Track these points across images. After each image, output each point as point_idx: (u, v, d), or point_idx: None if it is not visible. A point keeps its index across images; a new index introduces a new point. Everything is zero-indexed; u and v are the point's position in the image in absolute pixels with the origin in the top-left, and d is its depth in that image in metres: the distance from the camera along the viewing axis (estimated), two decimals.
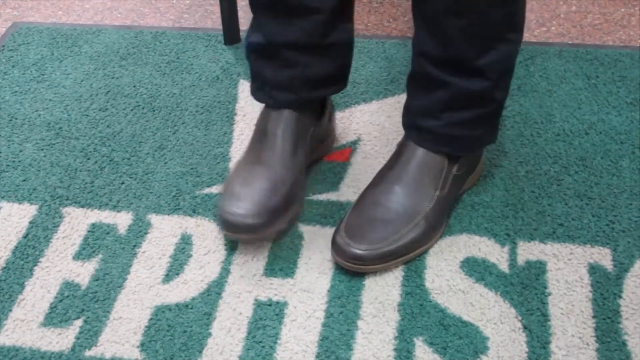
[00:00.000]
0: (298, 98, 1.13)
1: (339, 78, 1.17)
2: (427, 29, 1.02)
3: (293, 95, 1.13)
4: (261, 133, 1.14)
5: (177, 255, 1.14)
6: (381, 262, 1.08)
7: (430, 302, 1.06)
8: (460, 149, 1.11)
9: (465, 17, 0.98)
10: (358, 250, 1.06)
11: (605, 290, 1.07)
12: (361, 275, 1.09)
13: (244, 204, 1.08)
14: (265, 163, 1.12)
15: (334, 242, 1.09)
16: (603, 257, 1.11)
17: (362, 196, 1.13)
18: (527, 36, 1.56)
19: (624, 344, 1.00)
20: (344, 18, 1.11)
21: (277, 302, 1.07)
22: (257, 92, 1.16)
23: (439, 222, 1.12)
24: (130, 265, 1.13)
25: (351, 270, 1.08)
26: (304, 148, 1.17)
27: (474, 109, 1.07)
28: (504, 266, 1.10)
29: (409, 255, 1.10)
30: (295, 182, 1.13)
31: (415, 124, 1.11)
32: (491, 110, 1.09)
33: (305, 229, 1.17)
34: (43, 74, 1.50)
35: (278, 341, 1.02)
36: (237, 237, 1.11)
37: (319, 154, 1.26)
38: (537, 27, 1.59)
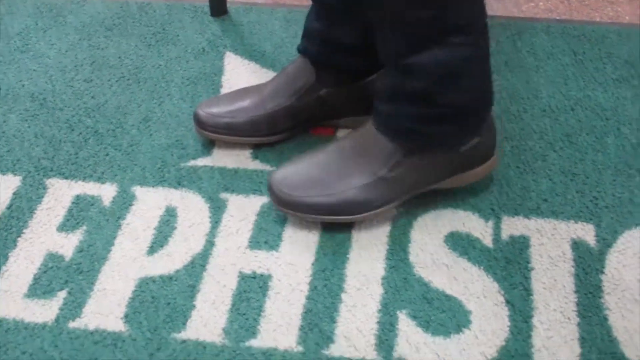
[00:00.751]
0: (314, 52, 1.19)
1: (362, 52, 1.17)
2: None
3: (311, 46, 1.19)
4: (279, 72, 1.25)
5: (161, 228, 1.14)
6: (296, 210, 1.10)
7: (414, 276, 1.07)
8: (407, 140, 1.08)
9: (384, 12, 0.98)
10: (281, 191, 1.10)
11: (587, 265, 1.07)
12: (345, 248, 1.10)
13: (220, 108, 1.22)
14: (259, 89, 1.23)
15: (269, 179, 1.12)
16: (586, 232, 1.11)
17: (309, 152, 1.14)
18: (514, 12, 1.56)
19: (605, 318, 1.01)
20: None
21: (262, 275, 1.07)
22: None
23: (373, 201, 1.10)
24: (115, 237, 1.13)
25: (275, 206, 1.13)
26: (307, 100, 1.21)
27: (417, 107, 1.05)
28: (487, 241, 1.10)
29: (325, 217, 1.10)
30: (282, 113, 1.21)
31: (374, 102, 1.11)
32: (438, 113, 1.05)
33: None
34: (27, 44, 1.49)
35: (262, 314, 1.03)
36: (206, 135, 1.23)
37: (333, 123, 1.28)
38: (525, 3, 1.59)
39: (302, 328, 1.01)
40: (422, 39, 0.99)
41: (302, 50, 1.21)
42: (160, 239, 1.12)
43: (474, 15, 0.99)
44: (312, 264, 1.08)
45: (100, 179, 1.21)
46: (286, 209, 1.11)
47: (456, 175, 1.13)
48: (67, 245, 1.12)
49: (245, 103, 1.22)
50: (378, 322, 1.01)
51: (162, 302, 1.04)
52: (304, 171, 1.11)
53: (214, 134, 1.23)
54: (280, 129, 1.23)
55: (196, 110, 1.23)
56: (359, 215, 1.10)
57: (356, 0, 1.10)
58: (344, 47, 1.17)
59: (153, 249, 1.11)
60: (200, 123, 1.23)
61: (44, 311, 1.04)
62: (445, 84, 1.02)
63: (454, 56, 1.00)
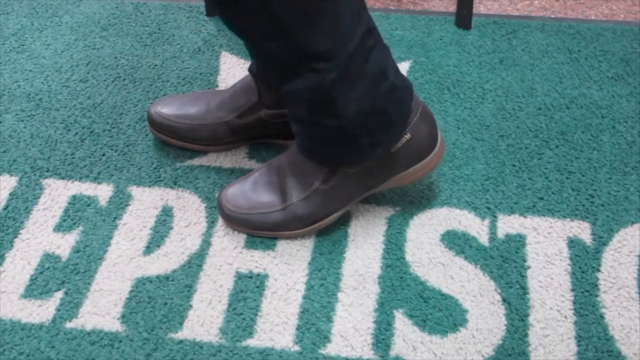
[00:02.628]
0: (254, 71, 1.18)
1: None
2: None
3: (254, 65, 1.18)
4: (232, 85, 1.26)
5: (157, 227, 1.14)
6: (244, 226, 1.12)
7: (411, 274, 1.07)
8: (317, 161, 1.09)
9: (252, 45, 1.01)
10: (228, 209, 1.12)
11: (583, 263, 1.07)
12: (341, 248, 1.10)
13: (171, 110, 1.24)
14: (209, 99, 1.24)
15: (219, 195, 1.14)
16: (582, 230, 1.11)
17: (254, 170, 1.16)
18: (510, 10, 1.56)
19: (602, 316, 1.01)
20: None
21: (258, 275, 1.07)
22: None
23: (315, 213, 1.10)
24: (111, 237, 1.13)
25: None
26: (248, 118, 1.21)
27: (308, 129, 1.06)
28: (484, 239, 1.11)
29: (273, 233, 1.12)
30: (222, 127, 1.22)
31: None
32: (328, 135, 1.04)
33: None
34: (23, 44, 1.49)
35: (259, 313, 1.03)
36: (153, 133, 1.26)
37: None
38: (520, 1, 1.59)
39: (298, 327, 1.01)
40: (288, 68, 0.99)
41: (249, 68, 1.21)
42: (157, 238, 1.12)
43: (332, 42, 0.97)
44: (309, 264, 1.08)
45: (97, 179, 1.21)
46: (234, 225, 1.12)
47: (398, 175, 1.11)
48: (64, 245, 1.12)
49: (192, 110, 1.23)
50: (374, 321, 1.02)
51: (159, 302, 1.05)
52: (249, 189, 1.13)
53: (158, 134, 1.25)
54: (220, 141, 1.24)
55: (150, 106, 1.25)
56: (305, 229, 1.11)
57: None
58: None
59: (149, 248, 1.11)
60: (149, 120, 1.25)
61: (41, 311, 1.04)
62: (322, 108, 1.02)
63: (322, 81, 0.98)
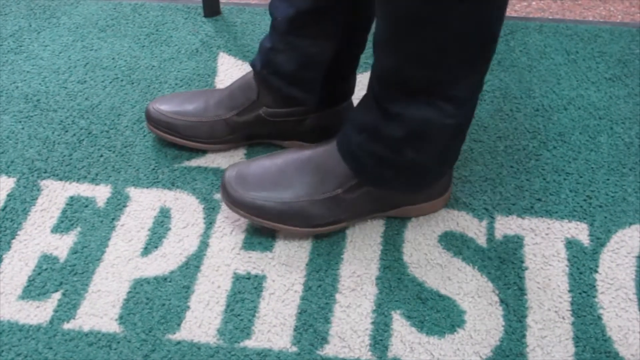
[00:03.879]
0: (258, 68, 1.18)
1: (296, 84, 1.17)
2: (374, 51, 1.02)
3: (257, 61, 1.18)
4: (231, 83, 1.27)
5: (155, 229, 1.14)
6: (245, 210, 1.10)
7: (408, 275, 1.07)
8: (364, 176, 1.08)
9: (390, 58, 0.97)
10: (233, 189, 1.10)
11: (581, 264, 1.07)
12: (340, 249, 1.10)
13: (169, 106, 1.24)
14: (208, 96, 1.24)
15: (223, 175, 1.12)
16: (580, 232, 1.12)
17: (267, 154, 1.14)
18: (508, 11, 1.56)
19: (599, 317, 1.01)
20: (315, 29, 1.11)
21: (256, 276, 1.07)
22: None
23: (323, 217, 1.09)
24: (109, 239, 1.13)
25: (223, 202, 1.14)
26: (246, 117, 1.21)
27: (385, 151, 1.04)
28: (481, 240, 1.11)
29: (272, 223, 1.10)
30: (220, 125, 1.22)
31: (346, 125, 1.10)
32: (401, 162, 1.05)
33: None
34: (20, 46, 1.49)
35: (256, 314, 1.03)
36: (150, 129, 1.25)
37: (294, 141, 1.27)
38: (517, 2, 1.59)
39: (296, 328, 1.01)
40: (415, 93, 0.98)
41: (251, 63, 1.20)
42: (155, 239, 1.12)
43: (471, 92, 0.98)
44: (306, 265, 1.08)
45: (95, 180, 1.21)
46: (235, 208, 1.10)
47: (408, 207, 1.12)
48: (62, 246, 1.12)
49: (190, 107, 1.24)
50: (372, 322, 1.02)
51: (157, 303, 1.04)
52: (260, 173, 1.11)
53: (156, 130, 1.25)
54: (218, 139, 1.23)
55: (149, 103, 1.26)
56: (306, 229, 1.10)
57: (297, 33, 1.11)
58: (281, 72, 1.16)
59: (147, 250, 1.11)
60: (147, 117, 1.25)
61: (39, 313, 1.04)
62: (420, 141, 1.02)
63: (438, 120, 0.99)
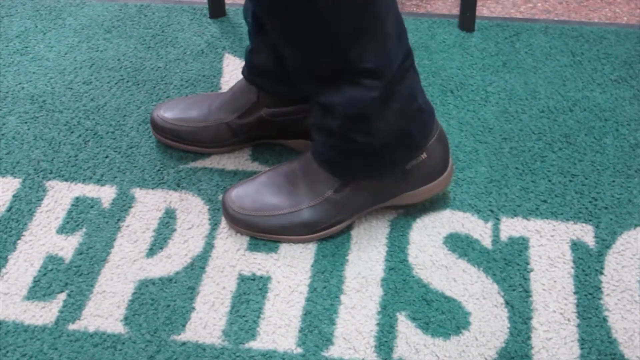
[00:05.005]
0: (245, 73, 1.20)
1: (281, 79, 1.17)
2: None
3: (244, 67, 1.20)
4: (231, 87, 1.26)
5: (161, 230, 1.14)
6: (247, 228, 1.12)
7: (413, 277, 1.07)
8: (338, 173, 1.09)
9: (296, 53, 0.99)
10: (233, 210, 1.12)
11: (587, 266, 1.07)
12: (344, 250, 1.10)
13: (173, 113, 1.24)
14: (211, 101, 1.24)
15: (223, 196, 1.14)
16: (585, 233, 1.11)
17: (262, 172, 1.15)
18: (513, 12, 1.56)
19: (605, 319, 1.01)
20: None
21: (261, 277, 1.07)
22: None
23: (322, 221, 1.10)
24: (114, 239, 1.13)
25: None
26: (249, 118, 1.21)
27: (336, 141, 1.05)
28: (486, 242, 1.10)
29: (276, 237, 1.11)
30: (223, 128, 1.22)
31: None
32: (357, 148, 1.05)
33: None
34: (26, 47, 1.49)
35: (261, 315, 1.03)
36: (157, 137, 1.26)
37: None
38: (523, 3, 1.59)
39: (301, 330, 1.01)
40: (330, 79, 0.99)
41: (242, 70, 1.22)
42: (160, 240, 1.12)
43: (382, 61, 0.98)
44: (311, 266, 1.08)
45: (100, 181, 1.21)
46: (238, 227, 1.12)
47: (408, 193, 1.12)
48: (67, 247, 1.12)
49: (194, 113, 1.24)
50: (377, 324, 1.01)
51: (162, 304, 1.05)
52: (257, 191, 1.12)
53: (162, 138, 1.25)
54: (222, 143, 1.24)
55: (153, 111, 1.26)
56: (309, 236, 1.11)
57: (265, 29, 1.11)
58: (262, 71, 1.17)
59: (152, 250, 1.11)
60: (152, 124, 1.26)
61: (44, 313, 1.04)
62: (360, 122, 1.03)
63: (364, 97, 1.00)
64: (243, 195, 1.12)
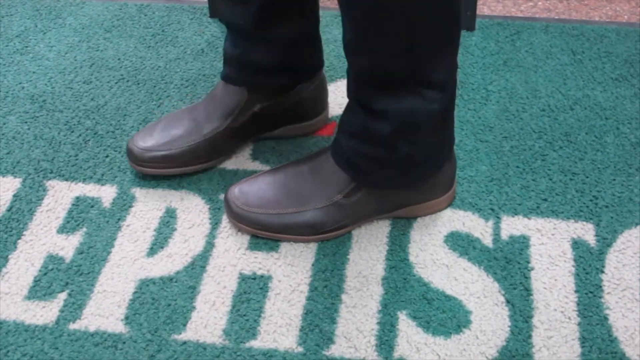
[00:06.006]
0: (234, 77, 1.18)
1: (282, 71, 1.18)
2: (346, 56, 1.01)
3: (231, 72, 1.18)
4: (207, 96, 1.23)
5: (161, 229, 1.14)
6: (248, 225, 1.11)
7: (414, 276, 1.07)
8: (362, 180, 1.08)
9: (369, 60, 0.97)
10: (236, 205, 1.11)
11: (587, 265, 1.07)
12: (345, 249, 1.10)
13: (155, 140, 1.18)
14: (191, 115, 1.20)
15: (226, 192, 1.13)
16: (586, 232, 1.11)
17: (268, 170, 1.15)
18: (513, 11, 1.56)
19: (606, 318, 1.01)
20: (283, 15, 1.12)
21: (262, 276, 1.07)
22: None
23: (326, 225, 1.10)
24: (115, 239, 1.13)
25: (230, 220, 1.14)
26: (243, 119, 1.20)
27: (378, 150, 1.04)
28: (487, 241, 1.10)
29: (277, 235, 1.11)
30: (220, 136, 1.19)
31: (336, 133, 1.10)
32: (397, 158, 1.04)
33: None
34: (26, 46, 1.49)
35: (262, 315, 1.03)
36: (145, 171, 1.19)
37: (302, 130, 1.27)
38: (523, 2, 1.59)
39: (302, 329, 1.01)
40: (396, 87, 0.98)
41: (223, 77, 1.19)
42: (160, 240, 1.12)
43: (449, 73, 0.99)
44: (312, 265, 1.08)
45: (100, 181, 1.21)
46: (240, 224, 1.11)
47: (412, 206, 1.12)
48: (67, 246, 1.12)
49: (180, 131, 1.19)
50: (378, 323, 1.01)
51: (162, 303, 1.05)
52: (261, 188, 1.12)
53: (151, 170, 1.19)
54: (219, 152, 1.22)
55: (129, 145, 1.18)
56: (311, 237, 1.11)
57: (265, 26, 1.11)
58: (263, 68, 1.16)
59: (153, 250, 1.11)
60: (135, 159, 1.18)
61: (44, 313, 1.04)
62: (410, 133, 1.02)
63: (423, 107, 0.99)
64: (248, 191, 1.12)
